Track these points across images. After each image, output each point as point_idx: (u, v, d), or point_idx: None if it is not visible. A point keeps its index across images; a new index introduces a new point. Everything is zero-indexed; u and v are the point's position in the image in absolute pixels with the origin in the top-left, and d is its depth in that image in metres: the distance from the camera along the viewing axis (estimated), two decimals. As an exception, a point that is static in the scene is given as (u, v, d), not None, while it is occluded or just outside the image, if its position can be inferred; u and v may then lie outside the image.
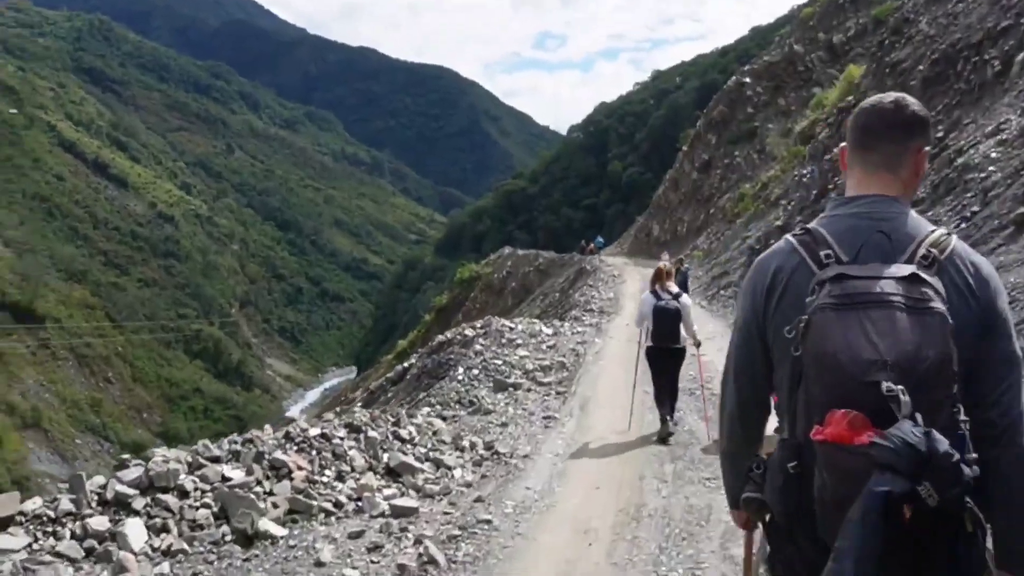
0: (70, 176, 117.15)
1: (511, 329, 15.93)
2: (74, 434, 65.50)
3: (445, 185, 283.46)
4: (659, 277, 8.60)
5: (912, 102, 1.94)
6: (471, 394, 11.00)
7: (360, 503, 6.27)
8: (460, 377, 12.06)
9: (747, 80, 37.89)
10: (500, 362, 12.74)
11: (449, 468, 7.35)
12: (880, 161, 1.93)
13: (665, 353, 8.54)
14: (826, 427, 1.63)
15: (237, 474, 6.09)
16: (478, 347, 14.04)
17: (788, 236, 1.99)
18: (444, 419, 9.79)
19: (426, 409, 10.47)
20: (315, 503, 6.04)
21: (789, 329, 1.80)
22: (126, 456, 6.59)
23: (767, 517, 1.96)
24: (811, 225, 1.96)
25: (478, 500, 6.55)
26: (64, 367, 73.81)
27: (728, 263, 24.53)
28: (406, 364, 17.18)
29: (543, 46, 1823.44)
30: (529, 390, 11.34)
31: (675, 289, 8.53)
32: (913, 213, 1.90)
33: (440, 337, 16.70)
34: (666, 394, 8.62)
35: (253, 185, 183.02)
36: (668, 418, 8.42)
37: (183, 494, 5.78)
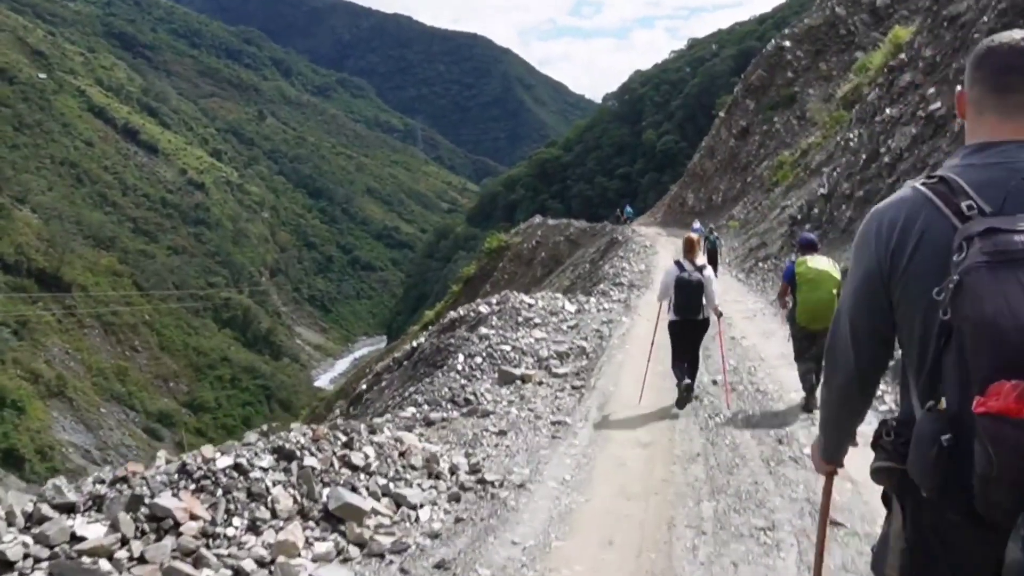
0: (99, 142, 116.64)
1: (530, 306, 14.25)
2: (99, 403, 64.81)
3: (478, 154, 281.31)
4: (690, 248, 8.57)
5: None
6: (469, 389, 9.35)
7: (273, 570, 4.45)
8: (460, 367, 10.32)
9: (787, 44, 36.06)
10: (509, 348, 11.02)
11: (413, 508, 5.48)
12: (1021, 103, 1.76)
13: (688, 326, 8.46)
14: (989, 398, 1.50)
15: (94, 531, 4.28)
16: (484, 330, 12.18)
17: (916, 184, 1.81)
18: (430, 423, 8.15)
19: (411, 410, 8.84)
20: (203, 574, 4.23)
21: (938, 291, 1.64)
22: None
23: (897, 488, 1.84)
24: (943, 173, 1.78)
25: (440, 567, 4.69)
26: (90, 335, 73.17)
27: (766, 234, 22.93)
28: (415, 343, 15.54)
29: (579, 13, 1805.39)
30: (540, 383, 9.71)
31: (700, 261, 8.53)
32: None
33: (452, 314, 15.15)
34: (686, 363, 8.52)
35: (285, 152, 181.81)
36: (687, 381, 8.35)
37: (4, 567, 4.00)
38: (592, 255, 31.21)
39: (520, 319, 13.18)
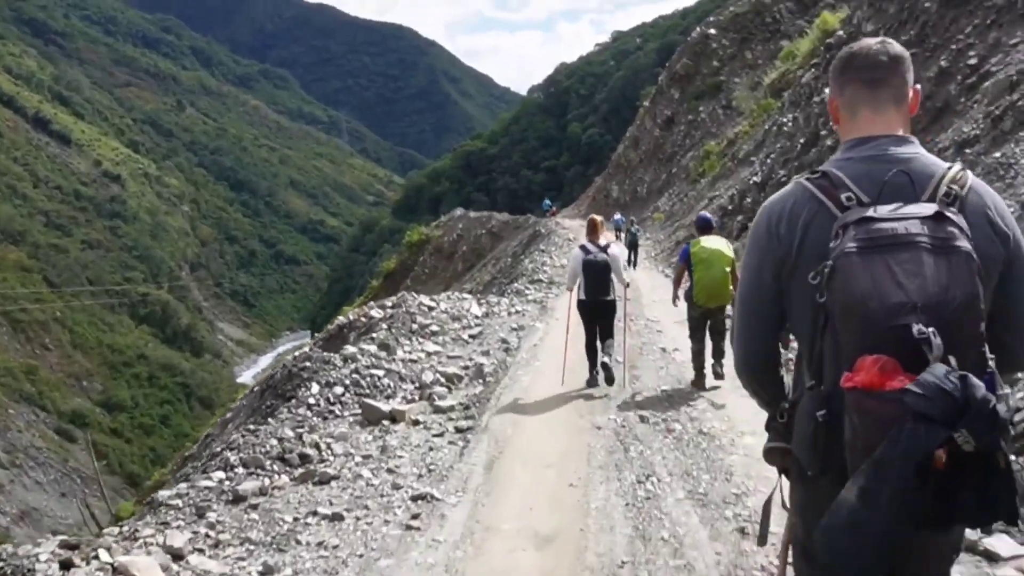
0: (8, 132, 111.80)
1: (429, 310, 12.90)
2: (7, 403, 62.15)
3: (404, 146, 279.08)
4: (593, 229, 8.67)
5: (897, 44, 1.98)
6: (310, 438, 7.09)
7: None
8: (313, 400, 8.27)
9: (712, 32, 36.11)
10: (381, 372, 9.06)
11: None
12: (891, 96, 1.94)
13: (598, 306, 8.53)
14: (856, 373, 1.62)
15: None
16: (351, 349, 10.17)
17: (800, 179, 1.95)
18: (238, 500, 5.86)
19: (218, 475, 6.49)
20: None
21: (813, 275, 1.78)
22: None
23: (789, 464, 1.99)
24: (826, 168, 1.92)
25: None
26: (-3, 333, 70.24)
27: (693, 226, 22.73)
28: (287, 362, 11.98)
29: (505, 6, 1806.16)
30: (416, 423, 7.65)
31: (604, 241, 8.55)
32: (925, 151, 1.90)
33: (340, 319, 13.72)
34: (601, 341, 8.68)
35: (205, 144, 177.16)
36: (603, 359, 8.54)
37: None
38: (514, 248, 30.79)
39: (415, 326, 11.80)
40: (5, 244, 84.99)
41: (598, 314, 8.61)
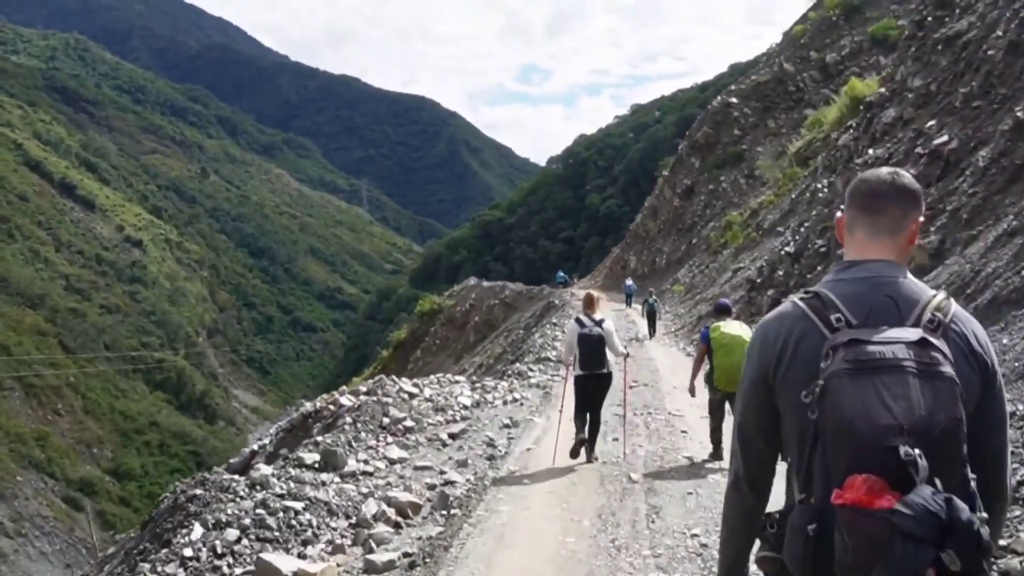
0: (34, 196, 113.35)
1: (411, 397, 11.35)
2: (15, 470, 61.25)
3: (424, 215, 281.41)
4: (589, 303, 9.03)
5: (909, 176, 2.06)
6: None
7: None
8: (191, 551, 5.92)
9: (734, 101, 35.60)
10: (302, 505, 6.73)
11: None
12: (886, 225, 2.02)
13: (593, 380, 8.72)
14: (845, 491, 1.68)
15: None
16: (265, 471, 7.84)
17: (795, 299, 2.05)
18: None
19: None
20: None
21: (805, 394, 1.84)
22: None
23: None
24: (818, 289, 2.02)
25: None
26: (10, 397, 69.54)
27: (717, 299, 21.88)
28: (177, 486, 9.39)
29: (528, 79, 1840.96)
30: None
31: (599, 316, 8.83)
32: (912, 277, 1.99)
33: (307, 407, 11.77)
34: (589, 422, 8.81)
35: (227, 211, 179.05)
36: (583, 436, 8.68)
37: None
38: (527, 320, 30.06)
39: (385, 420, 10.09)
40: (23, 308, 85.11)
41: (593, 387, 8.81)
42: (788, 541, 1.88)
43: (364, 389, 11.41)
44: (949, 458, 1.70)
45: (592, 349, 8.58)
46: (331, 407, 10.88)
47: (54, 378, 76.11)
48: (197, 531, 6.19)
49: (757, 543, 2.04)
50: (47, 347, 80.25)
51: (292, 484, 7.28)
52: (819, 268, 14.67)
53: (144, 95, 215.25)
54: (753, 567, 2.12)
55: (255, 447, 11.81)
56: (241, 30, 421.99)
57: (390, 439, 9.61)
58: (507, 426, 10.60)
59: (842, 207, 2.17)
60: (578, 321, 8.81)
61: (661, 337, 21.36)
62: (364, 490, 7.40)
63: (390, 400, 10.77)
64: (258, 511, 6.48)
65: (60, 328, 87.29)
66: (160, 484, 72.66)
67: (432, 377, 14.02)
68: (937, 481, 1.64)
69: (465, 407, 11.37)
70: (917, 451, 1.64)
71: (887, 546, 1.59)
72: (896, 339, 1.77)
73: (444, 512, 7.08)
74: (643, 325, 24.24)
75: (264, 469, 7.91)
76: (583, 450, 8.74)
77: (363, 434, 9.56)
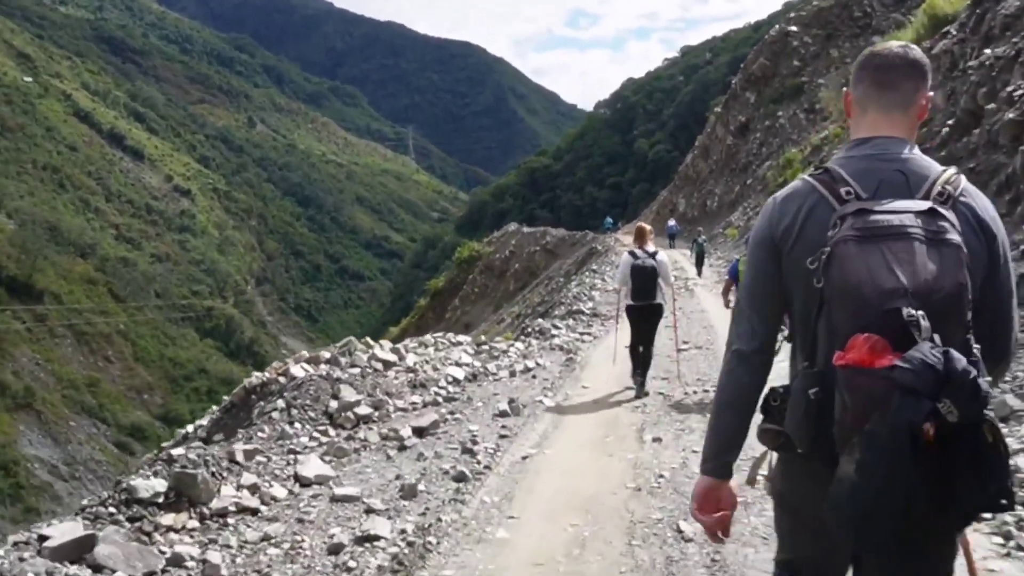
0: (84, 147, 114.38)
1: (386, 367, 8.75)
2: (68, 416, 62.29)
3: (470, 163, 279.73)
4: (640, 236, 8.97)
5: (918, 49, 2.06)
6: None
7: None
8: None
9: (793, 29, 33.33)
10: None
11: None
12: (898, 100, 2.01)
13: (644, 310, 8.82)
14: (848, 352, 1.71)
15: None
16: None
17: (804, 175, 2.08)
18: None
19: None
20: None
21: (811, 260, 1.87)
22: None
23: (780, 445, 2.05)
24: (828, 165, 2.04)
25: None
26: (62, 345, 70.60)
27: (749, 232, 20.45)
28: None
29: (576, 24, 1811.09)
30: None
31: (652, 248, 8.83)
32: (921, 153, 2.00)
33: (256, 376, 8.79)
34: (642, 355, 8.88)
35: (274, 160, 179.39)
36: (639, 378, 8.82)
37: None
38: (568, 267, 28.66)
39: (333, 405, 7.46)
40: (74, 257, 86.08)
41: (644, 317, 8.87)
42: (790, 407, 1.91)
43: (327, 355, 8.94)
44: (952, 322, 1.73)
45: (644, 280, 8.64)
46: (281, 379, 8.27)
47: (105, 326, 77.02)
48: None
49: (757, 417, 2.02)
50: (97, 295, 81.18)
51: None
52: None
53: (191, 45, 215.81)
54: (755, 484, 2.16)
55: (190, 428, 9.83)
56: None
57: (325, 437, 6.96)
58: (503, 414, 7.82)
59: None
60: (631, 253, 8.83)
61: (712, 286, 19.97)
62: (216, 559, 4.58)
63: (345, 376, 8.15)
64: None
65: (110, 277, 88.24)
66: (209, 430, 73.69)
67: (428, 337, 11.69)
68: (936, 337, 1.66)
69: (455, 381, 8.94)
70: (920, 312, 1.67)
71: (885, 401, 1.61)
72: (904, 209, 1.79)
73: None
74: (689, 269, 23.85)
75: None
76: (636, 384, 8.81)
77: (297, 426, 7.07)
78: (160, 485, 5.23)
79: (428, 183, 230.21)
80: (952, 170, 1.93)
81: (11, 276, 70.84)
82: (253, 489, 5.63)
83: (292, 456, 6.44)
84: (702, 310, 15.54)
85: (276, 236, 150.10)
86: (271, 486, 5.78)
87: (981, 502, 1.69)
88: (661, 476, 5.83)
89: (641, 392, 8.73)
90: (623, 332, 9.46)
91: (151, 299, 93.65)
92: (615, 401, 8.58)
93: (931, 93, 2.05)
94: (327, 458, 6.48)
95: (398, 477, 6.07)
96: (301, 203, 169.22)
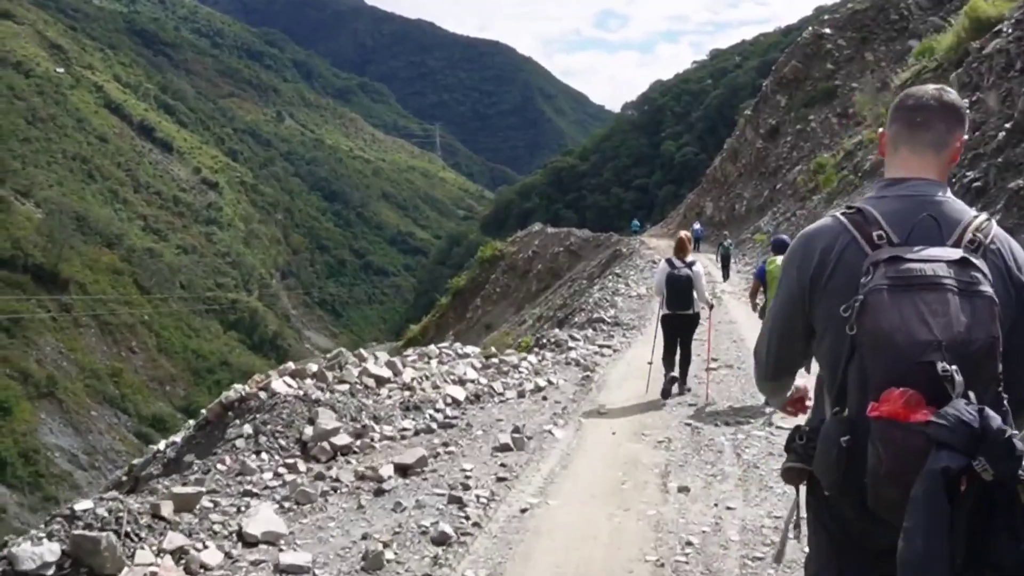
0: (114, 138, 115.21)
1: (378, 384, 8.01)
2: (90, 405, 62.66)
3: (497, 162, 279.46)
4: (680, 247, 8.93)
5: (955, 92, 2.07)
6: None
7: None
8: None
9: (827, 32, 32.56)
10: None
11: None
12: (931, 140, 2.02)
13: (679, 320, 8.86)
14: (882, 404, 1.72)
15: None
16: None
17: (836, 214, 2.07)
18: None
19: None
20: None
21: (844, 308, 1.87)
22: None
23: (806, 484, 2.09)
24: (861, 204, 2.04)
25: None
26: (86, 334, 71.05)
27: (774, 234, 20.06)
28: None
29: (605, 25, 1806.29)
30: None
31: (689, 258, 8.85)
32: (954, 197, 1.99)
33: (230, 392, 7.83)
34: (678, 359, 8.99)
35: (302, 154, 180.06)
36: (673, 374, 8.90)
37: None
38: (592, 269, 28.20)
39: (308, 432, 6.58)
40: (101, 247, 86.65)
41: (679, 327, 8.94)
42: (820, 451, 1.90)
43: (313, 369, 7.97)
44: (984, 375, 1.73)
45: (679, 290, 8.73)
46: (261, 394, 7.32)
47: (129, 316, 77.49)
48: None
49: (784, 456, 2.05)
50: (123, 286, 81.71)
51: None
52: (974, 206, 11.69)
53: (222, 39, 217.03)
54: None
55: (162, 446, 8.78)
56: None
57: (291, 474, 5.99)
58: (504, 448, 6.85)
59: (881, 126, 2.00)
60: (669, 262, 8.92)
61: (740, 293, 19.46)
62: None
63: (327, 397, 7.23)
64: None
65: (136, 267, 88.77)
66: (230, 423, 73.82)
67: (433, 347, 10.83)
68: (971, 394, 1.67)
69: (455, 402, 8.00)
70: (954, 367, 1.67)
71: (922, 457, 1.62)
72: (937, 257, 1.79)
73: None
74: (716, 273, 23.47)
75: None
76: (674, 387, 8.95)
77: (264, 457, 6.16)
78: (52, 553, 4.10)
79: (454, 181, 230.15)
80: (983, 216, 1.93)
81: (37, 264, 71.40)
82: (178, 555, 4.56)
83: (245, 501, 5.47)
84: (731, 320, 14.94)
85: (302, 230, 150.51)
86: (204, 548, 4.69)
87: (1015, 559, 1.66)
88: (689, 544, 4.92)
89: (683, 389, 8.97)
90: (659, 346, 9.38)
91: (176, 290, 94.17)
92: (636, 432, 7.52)
93: (965, 136, 2.03)
94: (286, 504, 5.53)
95: (365, 537, 4.99)
96: (327, 198, 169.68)
